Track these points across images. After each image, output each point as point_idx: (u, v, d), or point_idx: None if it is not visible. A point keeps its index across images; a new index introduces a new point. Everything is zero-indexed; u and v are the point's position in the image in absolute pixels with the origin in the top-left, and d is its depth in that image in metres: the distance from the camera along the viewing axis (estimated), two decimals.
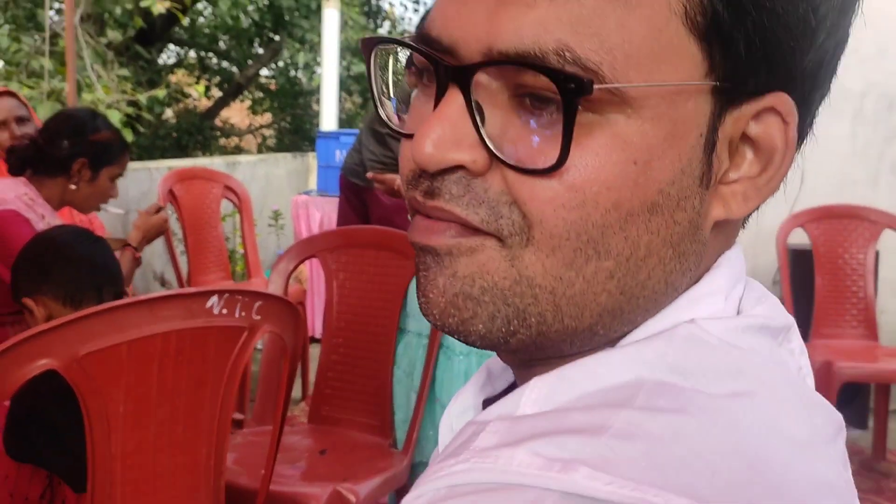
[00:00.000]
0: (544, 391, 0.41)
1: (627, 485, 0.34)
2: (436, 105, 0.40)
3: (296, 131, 10.97)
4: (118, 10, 5.56)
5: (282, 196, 5.55)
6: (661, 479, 0.34)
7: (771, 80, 0.40)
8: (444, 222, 0.41)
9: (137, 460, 1.34)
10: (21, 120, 2.54)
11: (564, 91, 0.37)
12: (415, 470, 2.05)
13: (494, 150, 0.39)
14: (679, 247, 0.41)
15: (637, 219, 0.39)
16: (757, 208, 0.45)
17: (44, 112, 3.83)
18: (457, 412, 0.52)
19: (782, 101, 0.40)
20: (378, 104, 0.46)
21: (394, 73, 0.46)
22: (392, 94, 0.46)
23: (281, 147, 10.79)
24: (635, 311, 0.42)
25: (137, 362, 1.29)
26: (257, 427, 2.18)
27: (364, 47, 0.45)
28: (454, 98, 0.39)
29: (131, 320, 1.27)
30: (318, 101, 7.30)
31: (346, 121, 7.21)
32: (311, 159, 5.85)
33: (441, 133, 0.39)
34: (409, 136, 0.42)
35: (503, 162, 0.39)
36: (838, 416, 0.43)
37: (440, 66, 0.40)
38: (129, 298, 1.33)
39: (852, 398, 3.46)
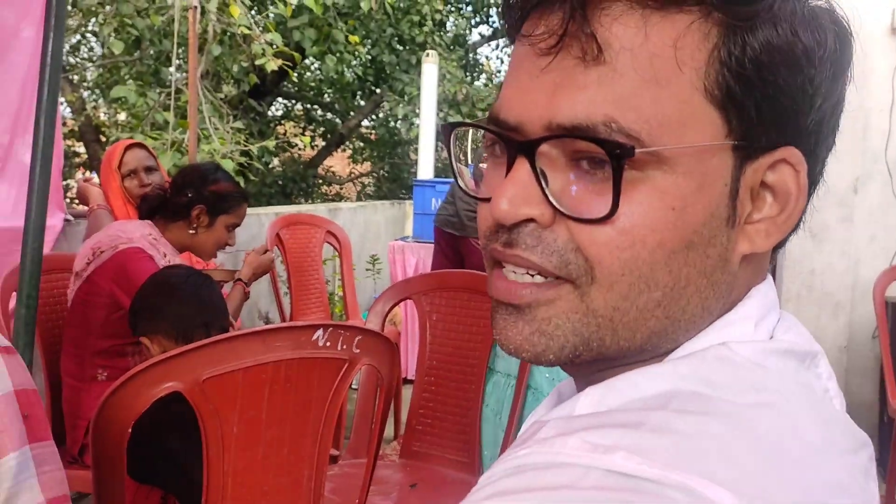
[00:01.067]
0: (596, 397, 0.49)
1: (655, 465, 0.40)
2: (507, 172, 0.49)
3: (394, 180, 11.27)
4: (235, 68, 5.95)
5: (379, 241, 5.74)
6: (684, 464, 0.41)
7: (780, 137, 0.49)
8: (522, 284, 0.50)
9: (247, 478, 1.46)
10: (149, 169, 2.79)
11: (613, 155, 0.46)
12: None
13: (557, 205, 0.48)
14: (712, 277, 0.50)
15: (678, 255, 0.48)
16: (783, 244, 0.53)
17: (166, 161, 4.14)
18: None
19: (792, 153, 0.49)
20: (457, 175, 0.56)
21: (473, 140, 0.58)
22: (470, 161, 0.57)
23: (379, 195, 11.10)
24: (677, 332, 0.50)
25: (250, 388, 1.41)
26: (353, 460, 2.28)
27: (444, 130, 0.56)
28: (522, 165, 0.48)
29: (247, 349, 1.39)
30: (415, 151, 7.53)
31: (441, 170, 7.40)
32: (408, 207, 6.04)
33: (514, 193, 0.48)
34: (485, 200, 0.52)
35: (565, 214, 0.48)
36: (862, 435, 0.49)
37: (510, 141, 0.49)
38: (246, 329, 1.46)
39: None
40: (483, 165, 0.56)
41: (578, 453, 0.43)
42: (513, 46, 0.53)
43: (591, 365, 0.52)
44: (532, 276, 0.50)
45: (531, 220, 0.49)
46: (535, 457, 0.44)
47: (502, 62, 11.59)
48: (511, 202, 0.48)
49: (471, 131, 0.58)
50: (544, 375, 2.01)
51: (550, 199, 0.48)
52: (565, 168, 0.49)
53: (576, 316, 0.49)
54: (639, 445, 0.42)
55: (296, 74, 8.12)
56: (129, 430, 1.35)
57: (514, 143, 0.49)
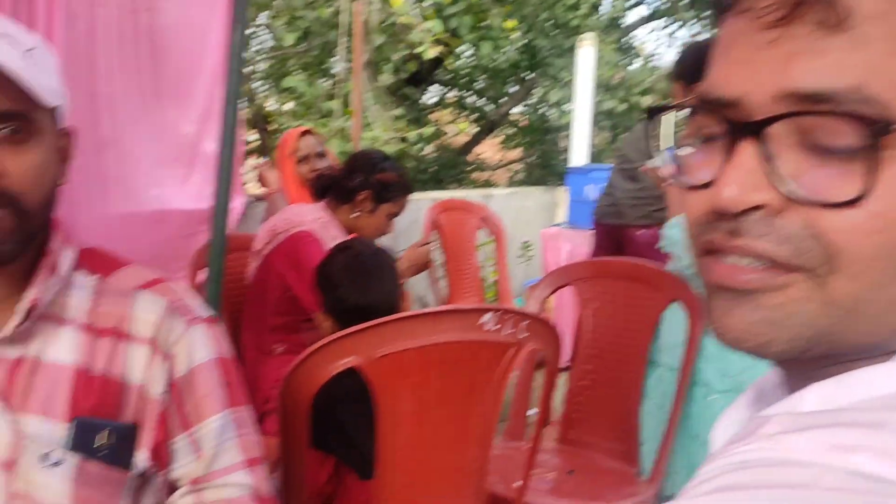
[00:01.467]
0: (824, 394, 0.45)
1: None
2: (728, 156, 0.45)
3: (544, 166, 11.20)
4: (395, 56, 6.11)
5: (530, 228, 5.73)
6: None
7: None
8: (747, 269, 0.46)
9: (416, 454, 1.52)
10: (319, 155, 2.93)
11: (864, 129, 0.41)
12: (662, 502, 2.07)
13: (791, 190, 0.44)
14: None
15: None
16: None
17: (332, 147, 4.33)
18: (726, 425, 0.57)
19: None
20: (661, 163, 0.55)
21: (675, 125, 0.55)
22: (670, 146, 0.55)
23: (530, 181, 11.05)
24: None
25: (422, 367, 1.46)
26: (511, 442, 2.32)
27: (650, 113, 0.54)
28: (747, 147, 0.45)
29: (419, 329, 1.43)
30: (566, 137, 7.47)
31: (595, 155, 7.28)
32: (559, 193, 5.99)
33: (741, 179, 0.44)
34: (697, 188, 0.48)
35: (801, 200, 0.43)
36: None
37: (730, 121, 0.46)
38: (418, 311, 1.51)
39: None
40: (684, 150, 0.53)
41: (814, 452, 0.40)
42: (722, 24, 0.49)
43: (815, 361, 0.48)
44: (760, 264, 0.46)
45: (759, 206, 0.45)
46: (762, 453, 0.42)
47: (659, 45, 11.21)
48: (739, 188, 0.44)
49: (670, 120, 0.56)
50: (715, 370, 1.94)
51: (783, 182, 0.44)
52: (798, 146, 0.44)
53: (811, 305, 0.45)
54: (884, 448, 0.39)
55: (452, 62, 8.24)
56: (312, 401, 1.44)
57: (737, 124, 0.45)
